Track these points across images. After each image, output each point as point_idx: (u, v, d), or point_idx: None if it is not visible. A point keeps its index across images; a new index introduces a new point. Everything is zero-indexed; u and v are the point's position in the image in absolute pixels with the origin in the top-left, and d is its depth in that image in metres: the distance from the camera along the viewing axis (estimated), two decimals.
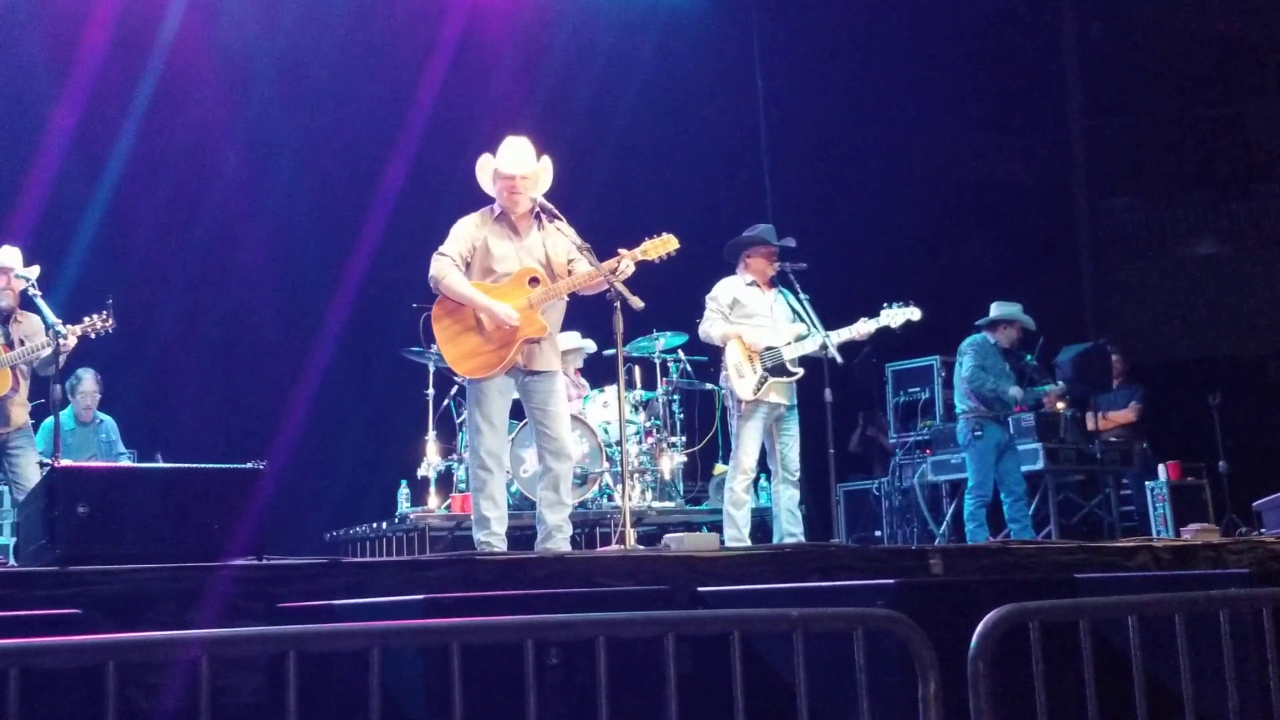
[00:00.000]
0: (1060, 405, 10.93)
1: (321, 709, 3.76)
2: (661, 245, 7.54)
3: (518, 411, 7.85)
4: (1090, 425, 10.80)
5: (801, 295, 8.74)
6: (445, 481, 10.51)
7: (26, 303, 8.47)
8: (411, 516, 10.18)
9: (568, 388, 9.27)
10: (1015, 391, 10.32)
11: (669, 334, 10.89)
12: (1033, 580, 5.51)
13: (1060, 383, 10.82)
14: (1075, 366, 10.74)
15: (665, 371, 11.10)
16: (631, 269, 7.34)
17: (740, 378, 8.61)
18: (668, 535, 6.81)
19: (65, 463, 8.64)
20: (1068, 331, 11.55)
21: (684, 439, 10.98)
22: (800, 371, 8.67)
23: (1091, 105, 14.70)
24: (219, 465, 5.82)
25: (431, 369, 10.34)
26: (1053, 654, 3.50)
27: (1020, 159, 13.93)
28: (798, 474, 8.72)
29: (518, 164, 7.38)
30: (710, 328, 8.83)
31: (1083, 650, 3.51)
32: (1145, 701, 3.48)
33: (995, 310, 10.43)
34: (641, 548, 7.27)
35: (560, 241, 7.40)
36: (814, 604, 4.55)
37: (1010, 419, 10.44)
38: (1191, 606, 3.65)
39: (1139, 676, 3.48)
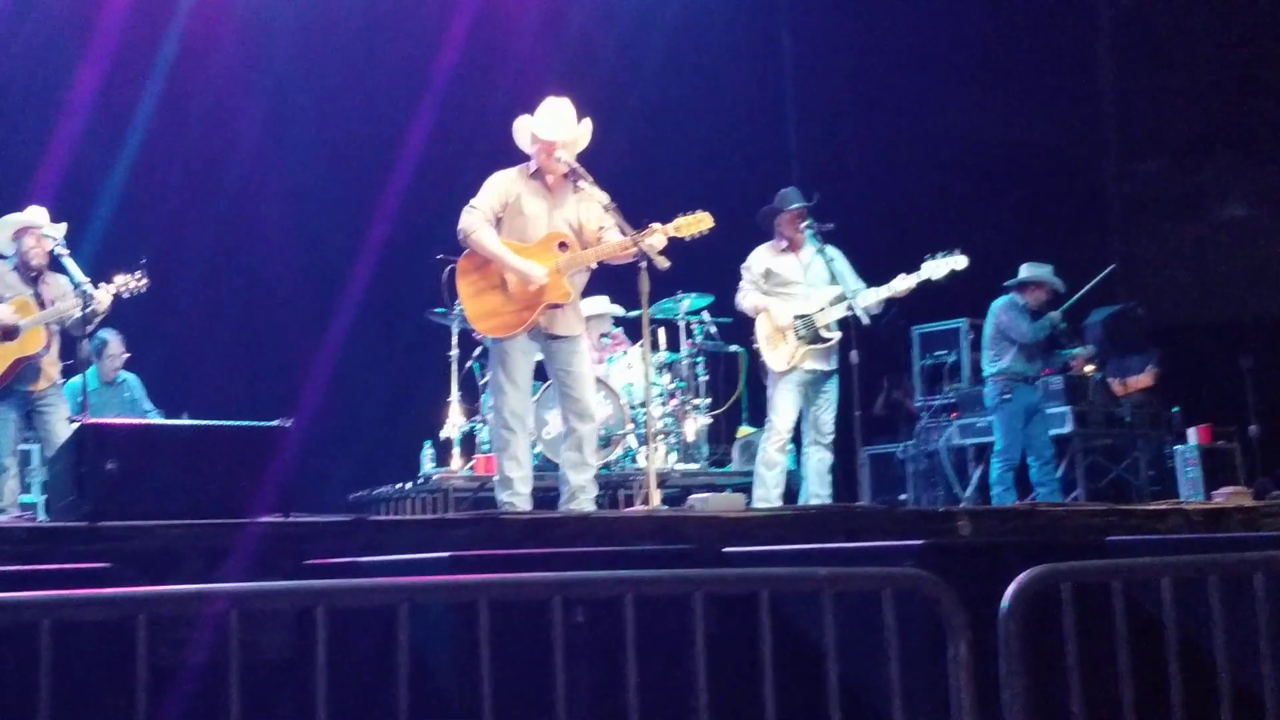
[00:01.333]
0: (1089, 368, 10.87)
1: (348, 665, 3.76)
2: (695, 223, 7.49)
3: (541, 373, 7.83)
4: (1116, 390, 10.74)
5: (830, 256, 8.68)
6: (469, 443, 10.51)
7: (54, 263, 8.48)
8: (435, 477, 10.18)
9: (590, 351, 9.25)
10: (1055, 315, 10.21)
11: (693, 295, 10.85)
12: (1063, 543, 5.48)
13: (1089, 345, 10.75)
14: (1105, 329, 10.68)
15: (689, 333, 11.06)
16: (663, 242, 7.29)
17: (772, 350, 8.61)
18: (693, 496, 6.79)
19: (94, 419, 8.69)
20: (1098, 295, 11.46)
21: (708, 401, 10.94)
22: (836, 335, 8.62)
23: (1122, 65, 14.56)
24: (245, 423, 5.83)
25: (455, 330, 10.32)
26: (1084, 616, 3.47)
27: (1050, 120, 13.79)
28: (831, 437, 8.69)
29: (558, 129, 7.33)
30: (743, 299, 8.85)
31: (1116, 612, 3.49)
32: (1179, 665, 3.45)
33: (1025, 271, 10.35)
34: (666, 508, 7.25)
35: (593, 209, 7.36)
36: (841, 564, 4.52)
37: (1039, 382, 10.39)
38: (1226, 568, 3.61)
39: (1172, 640, 3.45)
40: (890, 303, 8.82)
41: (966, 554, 4.63)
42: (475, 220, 7.25)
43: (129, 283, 8.46)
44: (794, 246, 8.84)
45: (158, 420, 10.23)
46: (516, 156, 7.53)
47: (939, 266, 8.64)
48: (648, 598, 3.12)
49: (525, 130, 7.43)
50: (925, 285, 8.68)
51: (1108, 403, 10.93)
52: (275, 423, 5.70)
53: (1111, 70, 14.52)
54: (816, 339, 8.56)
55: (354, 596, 3.07)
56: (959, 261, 8.65)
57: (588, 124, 7.44)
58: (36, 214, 8.51)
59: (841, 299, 8.55)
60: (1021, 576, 3.30)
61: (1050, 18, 13.94)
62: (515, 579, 3.21)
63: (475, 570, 3.96)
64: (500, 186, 7.38)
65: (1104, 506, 7.13)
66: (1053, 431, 10.39)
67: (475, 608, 2.94)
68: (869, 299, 8.54)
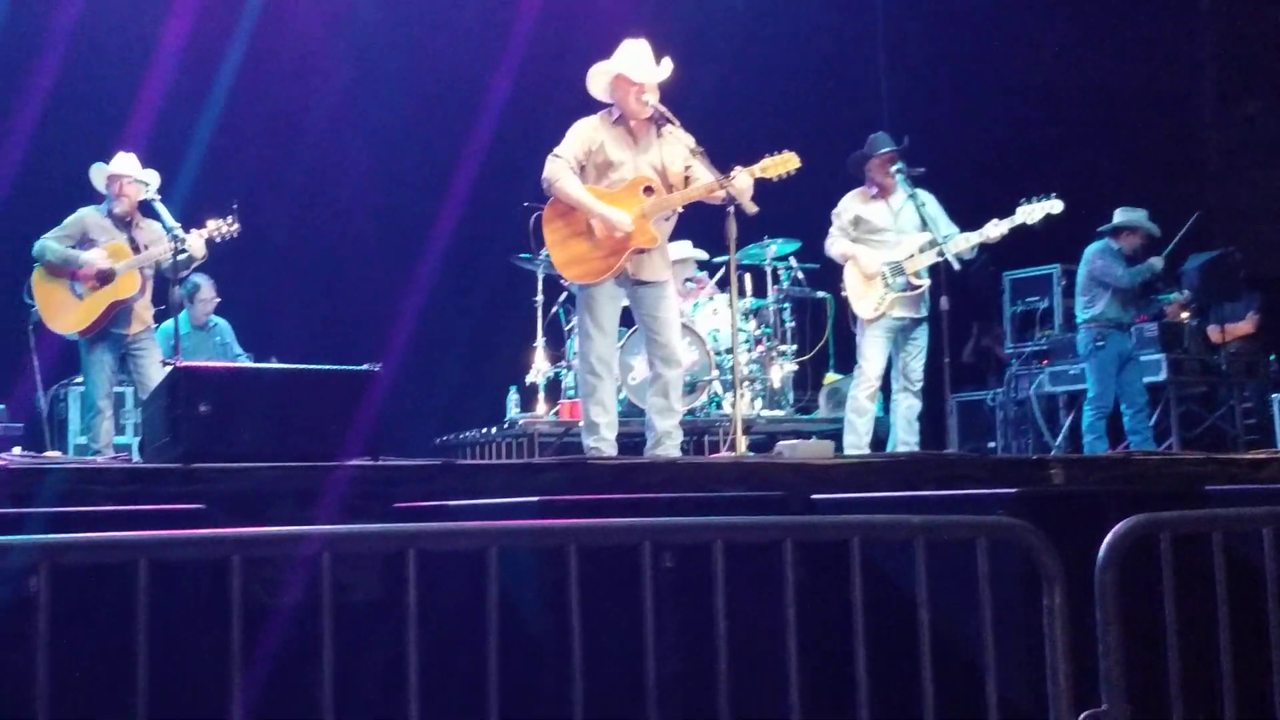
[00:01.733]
0: (1184, 315, 10.70)
1: (437, 607, 3.78)
2: (782, 163, 7.40)
3: (627, 318, 7.82)
4: (1215, 337, 10.56)
5: (925, 199, 8.58)
6: (554, 388, 10.53)
7: (147, 209, 8.59)
8: (521, 422, 10.23)
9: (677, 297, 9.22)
10: (1156, 261, 10.07)
11: (780, 241, 10.77)
12: (1159, 492, 5.40)
13: (1185, 292, 10.58)
14: (1201, 275, 10.50)
15: (776, 279, 11.00)
16: (749, 184, 7.23)
17: (860, 298, 8.54)
18: (781, 442, 6.77)
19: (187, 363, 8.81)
20: (1193, 239, 11.25)
21: (794, 348, 10.89)
22: (926, 283, 8.53)
23: (1220, 4, 14.22)
24: (336, 367, 5.86)
25: (540, 275, 10.34)
26: (1182, 566, 3.42)
27: (1146, 61, 13.51)
28: (919, 384, 8.62)
29: (650, 71, 7.29)
30: (831, 245, 8.82)
31: (1215, 563, 3.43)
32: (1278, 618, 3.39)
33: (1119, 216, 10.18)
34: (753, 454, 7.23)
35: (677, 151, 7.31)
36: (932, 513, 4.48)
37: (1133, 329, 10.24)
38: None
39: (1273, 591, 3.39)
40: (982, 248, 8.71)
41: (1061, 503, 4.57)
42: (559, 168, 7.24)
43: (221, 228, 8.57)
44: (884, 192, 8.75)
45: (248, 364, 10.34)
46: (597, 102, 7.49)
47: (1034, 211, 8.51)
48: (737, 544, 3.10)
49: (602, 77, 7.38)
50: (1019, 230, 8.56)
51: (1203, 350, 10.75)
52: (365, 367, 5.73)
53: (1209, 9, 14.18)
54: (906, 286, 8.49)
55: (444, 540, 3.08)
56: (1054, 206, 8.53)
57: (668, 64, 7.38)
58: (125, 162, 8.60)
59: (932, 245, 8.45)
60: (1119, 526, 3.25)
61: None
62: (604, 524, 3.21)
63: (564, 515, 3.96)
64: (584, 134, 7.35)
65: (1201, 455, 7.00)
66: (1147, 379, 10.24)
67: (564, 552, 2.93)
68: (960, 244, 8.44)
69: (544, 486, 5.01)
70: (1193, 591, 3.61)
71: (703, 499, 4.72)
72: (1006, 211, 8.56)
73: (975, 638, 3.24)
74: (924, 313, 8.63)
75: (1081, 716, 3.09)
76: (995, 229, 8.49)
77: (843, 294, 8.75)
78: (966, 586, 3.24)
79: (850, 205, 8.78)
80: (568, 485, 5.11)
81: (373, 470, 5.06)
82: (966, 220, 8.71)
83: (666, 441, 7.28)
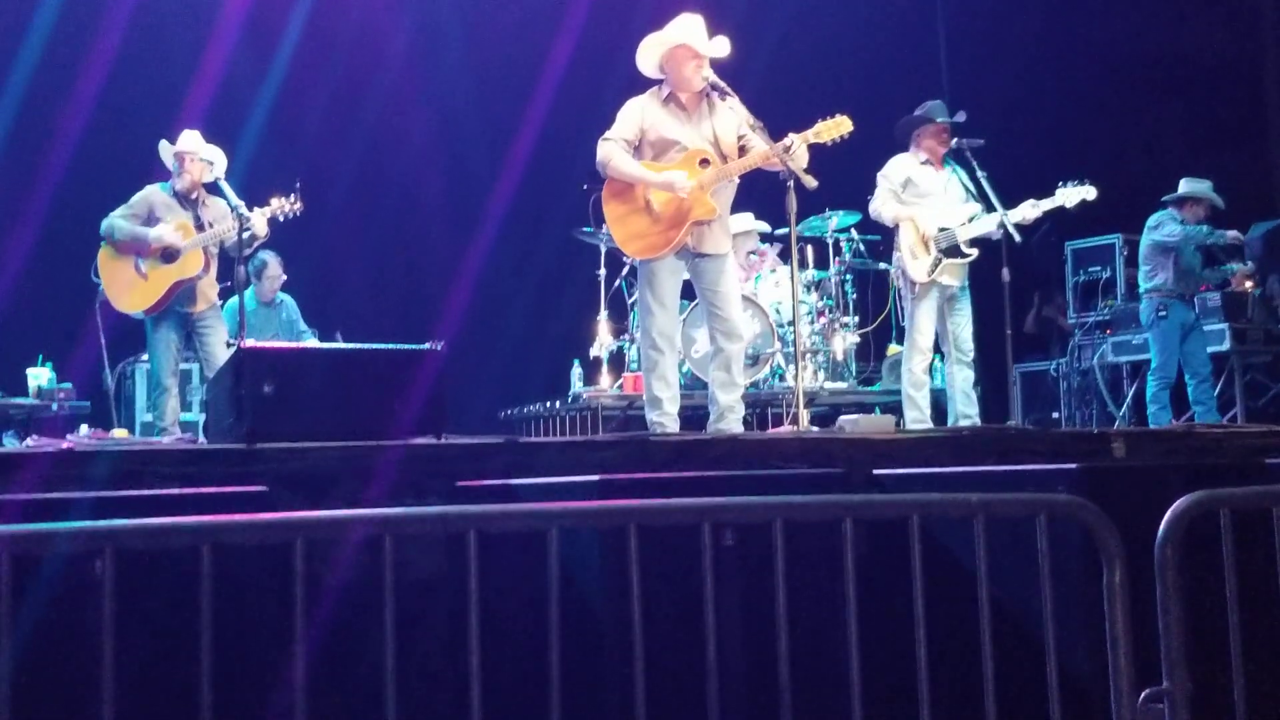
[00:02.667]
0: (1249, 284, 10.59)
1: (498, 585, 3.81)
2: (835, 127, 7.37)
3: (689, 291, 7.82)
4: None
5: (980, 173, 8.54)
6: (617, 361, 10.56)
7: (212, 188, 8.65)
8: (585, 396, 10.26)
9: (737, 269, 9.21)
10: (1233, 233, 10.01)
11: (842, 213, 10.74)
12: (1221, 465, 5.35)
13: (1249, 262, 10.47)
14: (1265, 244, 10.38)
15: (838, 251, 10.98)
16: (804, 153, 7.21)
17: (914, 259, 8.47)
18: (842, 417, 6.76)
19: (251, 343, 8.88)
20: (1257, 208, 11.11)
21: (856, 319, 10.86)
22: (974, 253, 8.49)
23: None
24: (399, 346, 5.90)
25: (603, 249, 10.35)
26: (1243, 542, 3.40)
27: (1207, 27, 13.33)
28: (971, 354, 8.58)
29: (714, 45, 7.27)
30: (882, 207, 8.66)
31: (1277, 539, 3.41)
32: None
33: (1184, 186, 10.08)
34: (815, 429, 7.23)
35: (730, 120, 7.30)
36: (993, 488, 4.48)
37: (1196, 298, 10.15)
38: None
39: None
40: (1039, 223, 8.69)
41: (1122, 477, 4.54)
42: (611, 149, 7.25)
43: (284, 206, 8.62)
44: (935, 160, 8.70)
45: (313, 341, 10.42)
46: (649, 76, 7.48)
47: (1070, 195, 8.48)
48: (798, 522, 3.11)
49: (656, 50, 7.36)
50: (1055, 212, 8.55)
51: (1267, 319, 10.63)
52: (427, 345, 5.76)
53: None
54: (955, 252, 8.44)
55: (504, 522, 3.11)
56: (1089, 192, 8.49)
57: (726, 41, 7.35)
58: (190, 139, 8.67)
59: (976, 217, 8.44)
60: (1179, 503, 3.23)
61: None
62: (664, 505, 3.22)
63: (624, 493, 3.98)
64: (634, 114, 7.35)
65: (1263, 428, 6.93)
66: (1210, 349, 10.15)
67: (624, 532, 2.95)
68: (994, 221, 8.39)
69: (605, 463, 5.03)
70: (1255, 567, 3.59)
71: (765, 477, 4.72)
72: (1056, 184, 8.53)
73: (1036, 614, 3.24)
74: (965, 282, 8.59)
75: (1143, 694, 3.08)
76: (1032, 210, 8.44)
77: (895, 257, 8.68)
78: (1027, 563, 3.24)
79: (902, 167, 8.69)
80: (628, 462, 5.13)
81: (435, 449, 5.10)
82: (1024, 191, 8.65)
83: (729, 415, 7.29)
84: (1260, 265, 10.59)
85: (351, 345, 9.53)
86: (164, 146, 8.73)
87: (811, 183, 7.14)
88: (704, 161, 7.25)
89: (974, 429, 7.47)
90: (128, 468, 4.46)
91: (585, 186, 8.77)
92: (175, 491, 4.10)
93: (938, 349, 8.75)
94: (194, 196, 8.68)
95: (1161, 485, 4.07)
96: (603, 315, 10.49)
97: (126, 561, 2.73)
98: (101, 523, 2.77)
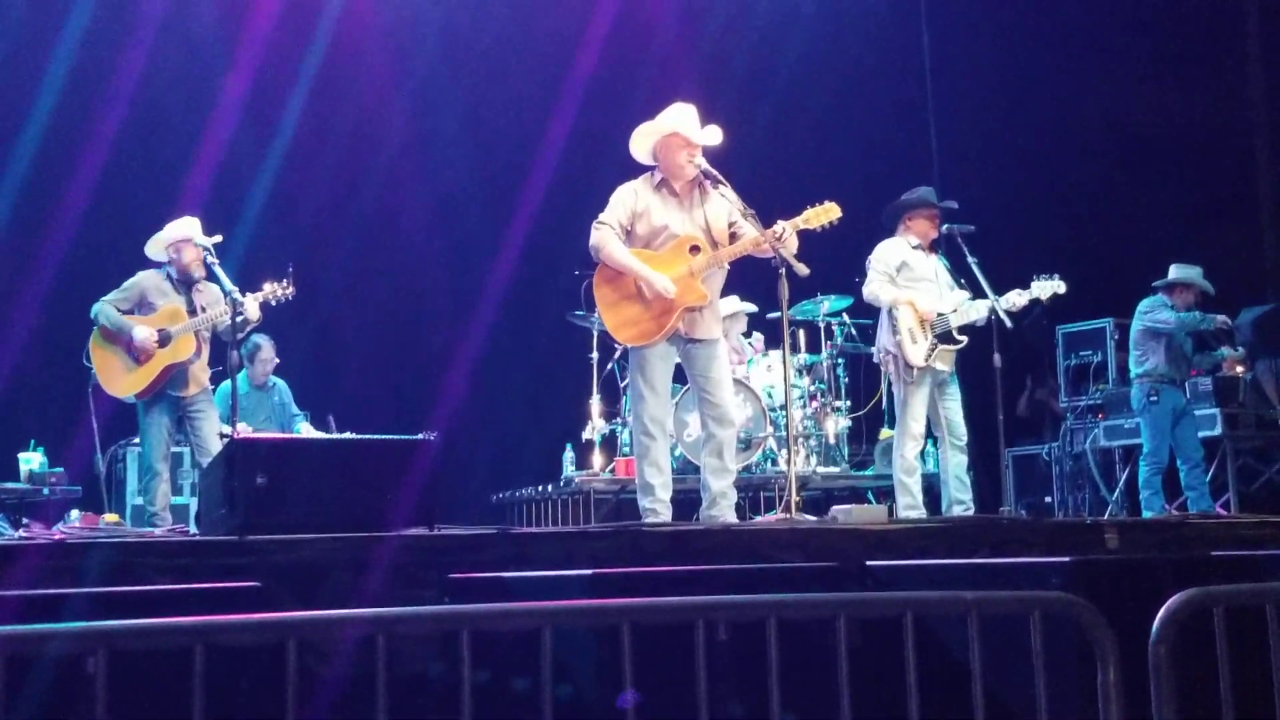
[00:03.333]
0: (1239, 369, 10.62)
1: (492, 680, 3.80)
2: (823, 213, 7.43)
3: (680, 375, 7.84)
4: (1270, 392, 10.48)
5: (970, 259, 8.59)
6: (609, 444, 10.57)
7: (206, 272, 8.67)
8: (577, 480, 10.25)
9: (729, 353, 9.24)
10: (1221, 318, 10.07)
11: (833, 297, 10.79)
12: (1215, 559, 5.35)
13: (1239, 347, 10.51)
14: (1256, 329, 10.42)
15: (830, 335, 11.01)
16: (794, 240, 7.26)
17: (914, 343, 8.49)
18: (835, 507, 6.76)
19: (243, 429, 8.88)
20: (1247, 292, 11.18)
21: (849, 403, 10.90)
22: (965, 340, 8.53)
23: (1272, 50, 14.13)
24: (391, 436, 5.91)
25: (595, 332, 10.38)
26: (1238, 639, 3.40)
27: (1196, 109, 13.46)
28: (965, 439, 8.59)
29: (706, 134, 7.35)
30: (880, 290, 8.63)
31: (1270, 636, 3.40)
32: None
33: (1174, 272, 10.15)
34: (809, 517, 7.22)
35: (721, 207, 7.36)
36: (986, 581, 4.49)
37: (1187, 383, 10.19)
38: None
39: None
40: (1029, 308, 8.79)
41: (1115, 571, 4.55)
42: (604, 235, 7.29)
43: (276, 291, 8.64)
44: (925, 245, 8.75)
45: (305, 425, 10.42)
46: (642, 163, 7.55)
47: (1045, 288, 8.62)
48: (792, 619, 3.11)
49: (649, 138, 7.43)
50: (1034, 304, 8.65)
51: (1259, 404, 10.67)
52: (420, 436, 5.77)
53: (1260, 54, 14.10)
54: (948, 339, 8.49)
55: (498, 621, 3.10)
56: (1059, 286, 8.66)
57: (718, 130, 7.43)
58: (189, 225, 8.70)
59: (972, 301, 8.49)
60: (1171, 601, 3.24)
61: (1196, 9, 13.60)
62: (658, 604, 3.21)
63: (617, 586, 3.98)
64: (627, 199, 7.40)
65: (1257, 519, 6.92)
66: (1202, 433, 10.18)
67: (619, 630, 2.95)
68: (981, 309, 8.45)
69: (597, 555, 5.01)
70: (1250, 664, 3.59)
71: (758, 570, 4.72)
72: (1041, 272, 8.66)
73: (1031, 710, 3.23)
74: (954, 368, 8.63)
75: None
76: (1018, 298, 8.56)
77: (886, 341, 8.69)
78: (1022, 658, 3.24)
79: (895, 251, 8.70)
80: (622, 553, 5.11)
81: (428, 540, 5.09)
82: (1016, 274, 8.72)
83: (721, 502, 7.28)
84: (1250, 350, 10.63)
85: (344, 436, 9.57)
86: (153, 243, 8.74)
87: (803, 270, 7.18)
88: (695, 248, 7.29)
89: (967, 519, 7.47)
90: (120, 560, 4.44)
91: (578, 272, 8.80)
92: (168, 587, 4.09)
93: (930, 434, 8.76)
94: (189, 281, 8.70)
95: (1154, 578, 4.09)
96: (595, 398, 10.50)
97: (119, 659, 2.73)
98: (95, 623, 2.77)
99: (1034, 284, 8.63)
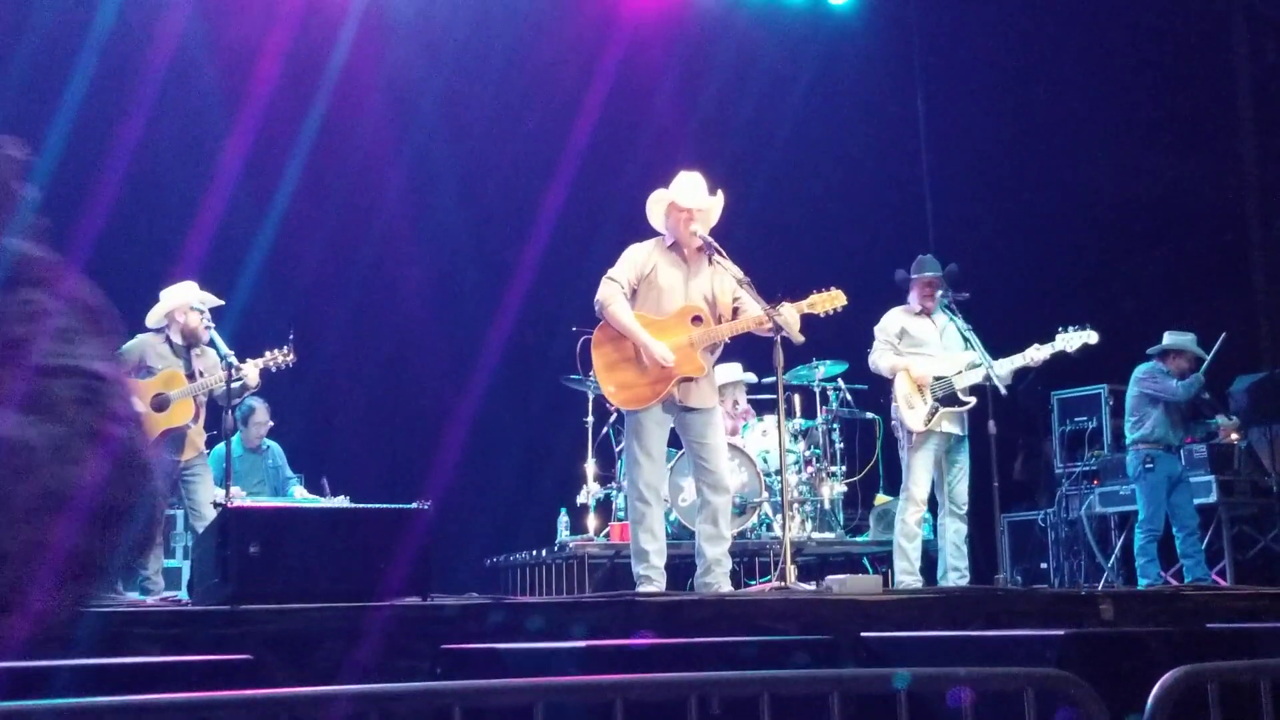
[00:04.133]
0: (1234, 437, 10.63)
1: None
2: (829, 300, 7.52)
3: (676, 440, 7.85)
4: (1264, 459, 10.48)
5: (966, 325, 8.64)
6: (604, 508, 10.55)
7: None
8: (571, 545, 10.22)
9: (724, 420, 9.25)
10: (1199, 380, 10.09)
11: (829, 362, 10.81)
12: (1210, 632, 5.34)
13: (1234, 415, 10.52)
14: (1250, 397, 10.44)
15: (825, 400, 11.03)
16: (796, 320, 7.30)
17: (910, 409, 8.53)
18: (830, 577, 6.75)
19: (237, 492, 8.86)
20: (1242, 360, 11.19)
21: (844, 468, 10.89)
22: (972, 400, 8.57)
23: (1264, 122, 14.23)
24: (385, 505, 5.90)
25: (590, 396, 10.38)
26: (1235, 713, 3.38)
27: (1190, 181, 13.52)
28: (965, 508, 8.61)
29: (698, 198, 7.41)
30: (879, 359, 8.80)
31: (1264, 713, 3.39)
32: None
33: (1168, 339, 10.17)
34: (803, 586, 7.20)
35: (727, 281, 7.41)
36: (982, 653, 4.47)
37: (1183, 450, 10.19)
38: None
39: None
40: (1025, 371, 8.80)
41: (1110, 644, 4.53)
42: (612, 292, 7.33)
43: (277, 358, 8.66)
44: (927, 312, 8.82)
45: (298, 488, 10.39)
46: (649, 228, 7.61)
47: (1072, 339, 8.68)
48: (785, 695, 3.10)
49: (661, 203, 7.49)
50: (1058, 356, 8.67)
51: (1254, 471, 10.66)
52: (414, 504, 5.77)
53: (1253, 126, 14.19)
54: (953, 401, 8.51)
55: (490, 697, 3.09)
56: (1090, 336, 8.75)
57: (720, 197, 7.49)
58: (193, 290, 8.72)
59: (977, 365, 8.51)
60: (1165, 678, 3.22)
61: (1190, 75, 13.70)
62: (651, 679, 3.20)
63: (611, 659, 3.96)
64: (638, 258, 7.46)
65: (1251, 590, 6.93)
66: (1197, 500, 10.16)
67: (612, 706, 2.94)
68: (1002, 368, 8.49)
69: (591, 624, 5.00)
70: None
71: (751, 644, 4.71)
72: (1051, 335, 8.67)
73: None
74: (965, 430, 8.65)
75: None
76: (1037, 352, 8.60)
77: (894, 407, 8.74)
78: None
79: (896, 319, 8.85)
80: (616, 622, 5.10)
81: (421, 610, 5.08)
82: (1013, 342, 8.76)
83: (716, 569, 7.27)
84: (1245, 417, 10.64)
85: (338, 501, 9.55)
86: (154, 312, 8.74)
87: (799, 338, 7.24)
88: (696, 318, 7.33)
89: (963, 590, 7.45)
90: (112, 630, 4.43)
91: (575, 328, 8.82)
92: (160, 659, 4.07)
93: (930, 500, 8.77)
94: (189, 344, 8.70)
95: (1148, 652, 4.07)
96: (590, 462, 10.49)
97: None
98: (87, 700, 2.75)
99: (1059, 336, 8.69)
